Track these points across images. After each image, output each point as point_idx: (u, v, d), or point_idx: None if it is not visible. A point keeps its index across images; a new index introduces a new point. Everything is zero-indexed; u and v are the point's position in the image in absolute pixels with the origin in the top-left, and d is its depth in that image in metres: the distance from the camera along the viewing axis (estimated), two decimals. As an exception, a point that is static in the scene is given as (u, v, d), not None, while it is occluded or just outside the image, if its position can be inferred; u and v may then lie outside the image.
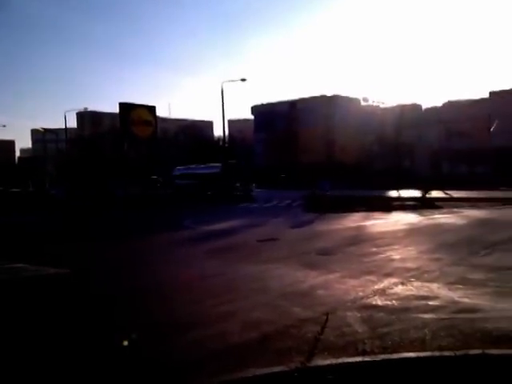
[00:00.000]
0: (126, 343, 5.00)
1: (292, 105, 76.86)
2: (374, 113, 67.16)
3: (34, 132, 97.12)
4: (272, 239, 13.24)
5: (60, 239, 14.81)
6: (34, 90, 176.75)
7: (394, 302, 6.35)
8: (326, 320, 5.54)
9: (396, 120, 62.67)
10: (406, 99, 75.37)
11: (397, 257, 9.91)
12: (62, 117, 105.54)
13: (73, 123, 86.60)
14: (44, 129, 70.48)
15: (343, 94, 74.26)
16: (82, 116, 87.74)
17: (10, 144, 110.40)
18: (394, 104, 66.70)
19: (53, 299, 7.29)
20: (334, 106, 70.63)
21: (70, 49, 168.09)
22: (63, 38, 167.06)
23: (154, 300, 7.06)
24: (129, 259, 10.99)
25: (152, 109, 35.08)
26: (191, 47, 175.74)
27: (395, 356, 4.40)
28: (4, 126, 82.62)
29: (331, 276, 8.15)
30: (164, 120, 75.98)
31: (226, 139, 47.32)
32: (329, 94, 73.26)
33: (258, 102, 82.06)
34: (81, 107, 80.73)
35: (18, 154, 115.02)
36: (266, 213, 23.91)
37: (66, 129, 55.75)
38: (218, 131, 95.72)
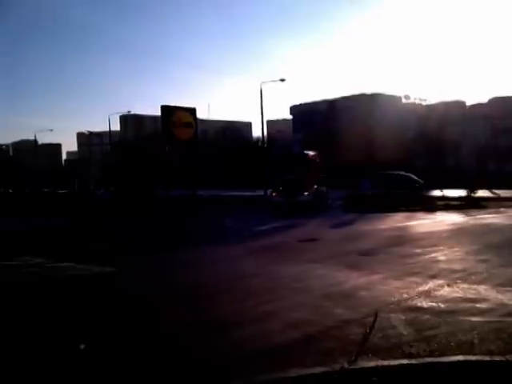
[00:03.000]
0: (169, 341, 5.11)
1: (331, 104, 76.02)
2: (415, 110, 65.63)
3: (80, 135, 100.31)
4: (312, 239, 13.19)
5: (107, 239, 15.23)
6: (79, 93, 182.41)
7: (439, 304, 6.22)
8: (375, 320, 5.48)
9: (439, 117, 61.00)
10: (449, 96, 73.47)
11: (442, 258, 9.68)
12: (105, 120, 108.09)
13: (116, 126, 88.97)
14: (89, 132, 72.72)
15: (384, 91, 72.93)
16: (125, 119, 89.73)
17: (57, 147, 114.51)
18: (437, 101, 65.05)
19: (98, 297, 7.53)
20: (374, 104, 69.33)
21: (112, 53, 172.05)
22: (106, 43, 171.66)
23: (197, 299, 7.17)
24: (171, 260, 11.22)
25: (192, 111, 35.36)
26: (231, 48, 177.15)
27: (443, 359, 4.31)
28: (51, 130, 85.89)
29: (374, 277, 8.05)
30: (203, 121, 76.88)
31: (265, 140, 47.19)
32: (369, 93, 72.08)
33: (297, 102, 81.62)
34: (124, 110, 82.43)
35: (64, 156, 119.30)
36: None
37: (109, 132, 57.48)
38: (256, 132, 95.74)
